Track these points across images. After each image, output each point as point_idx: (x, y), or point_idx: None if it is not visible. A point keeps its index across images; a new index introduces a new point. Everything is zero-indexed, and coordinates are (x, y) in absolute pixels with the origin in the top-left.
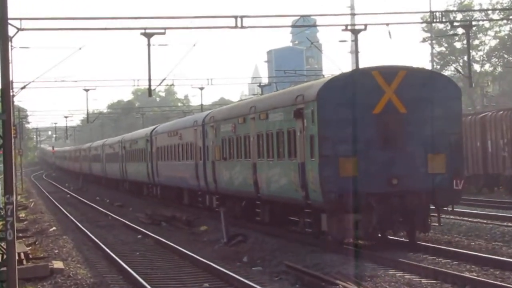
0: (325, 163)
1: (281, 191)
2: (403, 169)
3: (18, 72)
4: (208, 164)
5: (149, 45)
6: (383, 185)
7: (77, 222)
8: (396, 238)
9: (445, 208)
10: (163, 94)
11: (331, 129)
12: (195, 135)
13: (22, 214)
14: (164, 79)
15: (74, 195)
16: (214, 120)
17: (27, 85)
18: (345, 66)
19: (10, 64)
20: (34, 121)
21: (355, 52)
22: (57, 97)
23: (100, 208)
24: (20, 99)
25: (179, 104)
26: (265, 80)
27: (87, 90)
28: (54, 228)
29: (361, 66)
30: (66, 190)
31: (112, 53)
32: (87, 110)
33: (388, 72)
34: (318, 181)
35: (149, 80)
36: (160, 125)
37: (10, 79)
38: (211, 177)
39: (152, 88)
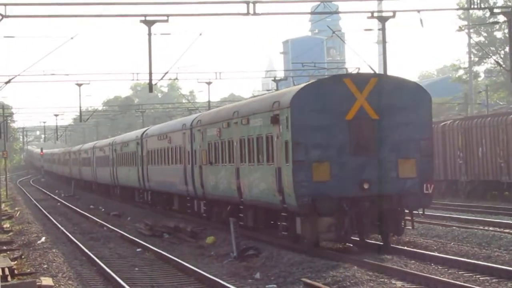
0: (299, 168)
1: (261, 195)
2: (374, 173)
3: (2, 65)
4: (195, 168)
5: (150, 34)
6: (355, 189)
7: (68, 234)
8: (373, 242)
9: (416, 212)
10: (165, 90)
11: (304, 135)
12: (184, 139)
13: (6, 224)
14: (166, 73)
15: (65, 203)
16: (201, 124)
17: (12, 79)
18: (371, 58)
19: None
20: (20, 120)
21: (383, 42)
22: (47, 93)
23: (94, 218)
24: (4, 95)
25: (184, 101)
26: (280, 74)
27: (80, 85)
28: (43, 239)
29: (389, 58)
30: (56, 197)
31: (108, 43)
32: (80, 107)
33: (360, 79)
34: (292, 185)
35: (150, 73)
36: (151, 127)
37: None
38: (198, 182)
39: (154, 82)
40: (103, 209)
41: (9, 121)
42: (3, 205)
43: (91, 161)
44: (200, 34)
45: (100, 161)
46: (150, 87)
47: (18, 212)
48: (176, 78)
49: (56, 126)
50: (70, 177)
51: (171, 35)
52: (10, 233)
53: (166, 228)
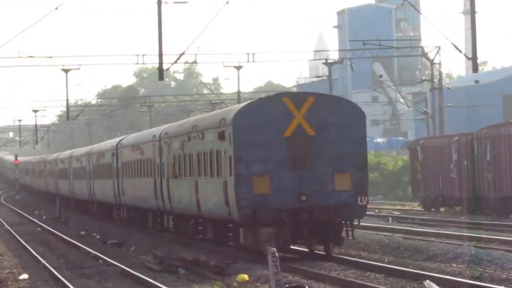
0: (240, 181)
1: (214, 208)
2: (311, 186)
3: None
4: (164, 182)
5: (159, 3)
6: (293, 201)
7: (52, 269)
8: (319, 252)
9: (355, 223)
10: (180, 77)
11: (245, 150)
12: (154, 151)
13: None
14: (182, 54)
15: (47, 228)
16: (167, 136)
17: None
18: (455, 33)
19: None
20: None
21: (471, 12)
22: (23, 82)
23: (86, 248)
24: None
25: (205, 92)
26: (334, 55)
27: (67, 71)
28: (24, 276)
29: (478, 33)
30: (35, 220)
31: (105, 16)
32: (67, 100)
33: (298, 98)
34: (234, 197)
35: (160, 55)
36: (126, 137)
37: None
38: (166, 196)
39: (165, 67)
40: (98, 236)
41: None
42: None
43: (68, 173)
44: (227, 2)
45: (77, 173)
46: (161, 73)
47: None
48: (195, 62)
49: (36, 125)
50: (46, 191)
51: (188, 4)
52: None
53: (182, 261)
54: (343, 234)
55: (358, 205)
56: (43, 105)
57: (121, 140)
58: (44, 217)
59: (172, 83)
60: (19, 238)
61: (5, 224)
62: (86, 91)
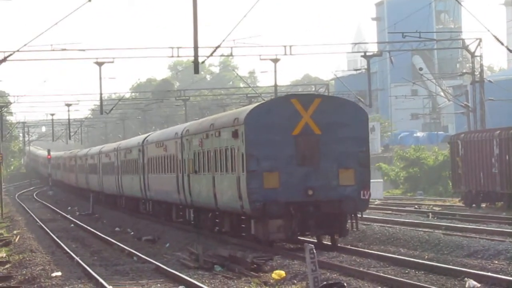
0: (252, 177)
1: (229, 202)
2: (317, 181)
3: None
4: (185, 177)
5: None
6: (300, 195)
7: (85, 266)
8: (326, 243)
9: (359, 215)
10: (216, 70)
11: (256, 148)
12: (176, 148)
13: (2, 253)
14: (218, 47)
15: (81, 224)
16: (188, 134)
17: (9, 56)
18: (497, 25)
19: None
20: (20, 112)
21: None
22: (56, 75)
23: (120, 245)
24: None
25: (241, 85)
26: (372, 48)
27: (100, 64)
28: (57, 273)
29: None
30: (68, 216)
31: (139, 7)
32: (101, 94)
33: (305, 100)
34: (246, 192)
35: (195, 48)
36: (151, 134)
37: None
38: (187, 190)
39: (200, 60)
40: (132, 232)
41: (5, 113)
42: None
43: (97, 168)
44: None
45: (106, 169)
46: (196, 66)
47: (18, 237)
48: (231, 54)
49: (68, 120)
50: (77, 186)
51: None
52: (7, 266)
53: (218, 258)
54: (348, 226)
55: (361, 199)
56: (76, 99)
57: (146, 137)
58: (77, 213)
59: (208, 77)
60: (52, 235)
61: (38, 220)
62: (120, 85)
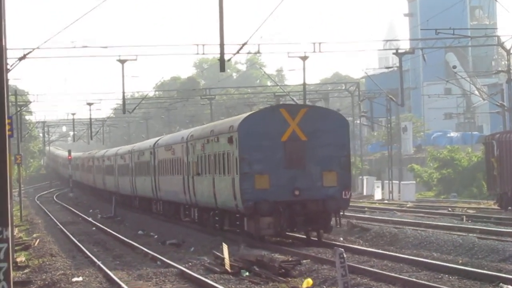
0: (244, 179)
1: (226, 201)
2: (303, 183)
3: (15, 35)
4: (190, 179)
5: None
6: (288, 195)
7: (107, 271)
8: (314, 239)
9: (342, 213)
10: (243, 68)
11: (248, 152)
12: (182, 151)
13: (21, 258)
14: (244, 44)
15: (102, 227)
16: (193, 139)
17: (29, 53)
18: None
19: (2, 22)
20: (40, 111)
21: None
22: (76, 73)
23: (143, 248)
24: (18, 76)
25: (269, 84)
26: (405, 45)
27: (123, 62)
28: (78, 278)
29: None
30: (90, 219)
31: (162, 3)
32: (123, 93)
33: (293, 109)
34: (239, 192)
35: (221, 45)
36: (161, 138)
37: (2, 43)
38: (192, 191)
39: (227, 58)
40: (156, 236)
41: (24, 112)
42: (16, 231)
43: (114, 169)
44: None
45: (122, 170)
46: (222, 64)
47: (37, 241)
48: (258, 52)
49: (90, 119)
50: (95, 186)
51: None
52: (26, 270)
53: (244, 262)
54: (332, 223)
55: (342, 199)
56: (98, 98)
57: (157, 140)
58: (99, 215)
59: (234, 75)
60: (72, 238)
61: (58, 223)
62: (143, 83)
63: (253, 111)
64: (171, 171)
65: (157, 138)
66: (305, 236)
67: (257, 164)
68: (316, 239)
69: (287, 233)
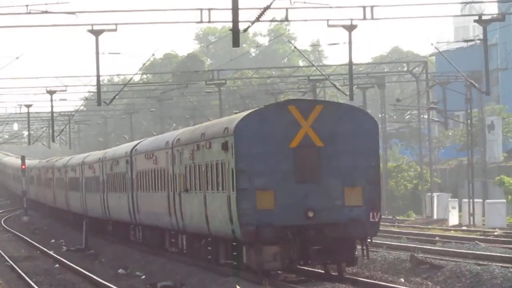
0: (243, 197)
1: (220, 225)
2: (319, 202)
3: None
4: (176, 196)
5: None
6: (299, 217)
7: None
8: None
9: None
10: (265, 41)
11: (248, 162)
12: (167, 160)
13: None
14: (266, 8)
15: (69, 264)
16: (179, 144)
17: None
18: None
19: None
20: None
21: None
22: (33, 49)
23: None
24: None
25: (301, 64)
26: (492, 9)
27: (97, 34)
28: None
29: None
30: (51, 253)
31: None
32: (98, 76)
33: (305, 107)
34: (236, 213)
35: (235, 10)
36: (140, 142)
37: None
38: (179, 212)
39: (242, 27)
40: (143, 276)
41: None
42: None
43: (79, 183)
44: None
45: (90, 184)
46: (235, 36)
47: None
48: (286, 19)
49: (52, 113)
50: (55, 206)
51: None
52: None
53: None
54: (357, 253)
55: (370, 222)
56: (62, 84)
57: (136, 145)
58: (64, 247)
59: (253, 51)
60: (28, 280)
61: (7, 258)
62: (126, 64)
63: (254, 109)
64: (153, 186)
65: (135, 142)
66: (322, 271)
67: (258, 178)
68: (337, 273)
69: (299, 266)
